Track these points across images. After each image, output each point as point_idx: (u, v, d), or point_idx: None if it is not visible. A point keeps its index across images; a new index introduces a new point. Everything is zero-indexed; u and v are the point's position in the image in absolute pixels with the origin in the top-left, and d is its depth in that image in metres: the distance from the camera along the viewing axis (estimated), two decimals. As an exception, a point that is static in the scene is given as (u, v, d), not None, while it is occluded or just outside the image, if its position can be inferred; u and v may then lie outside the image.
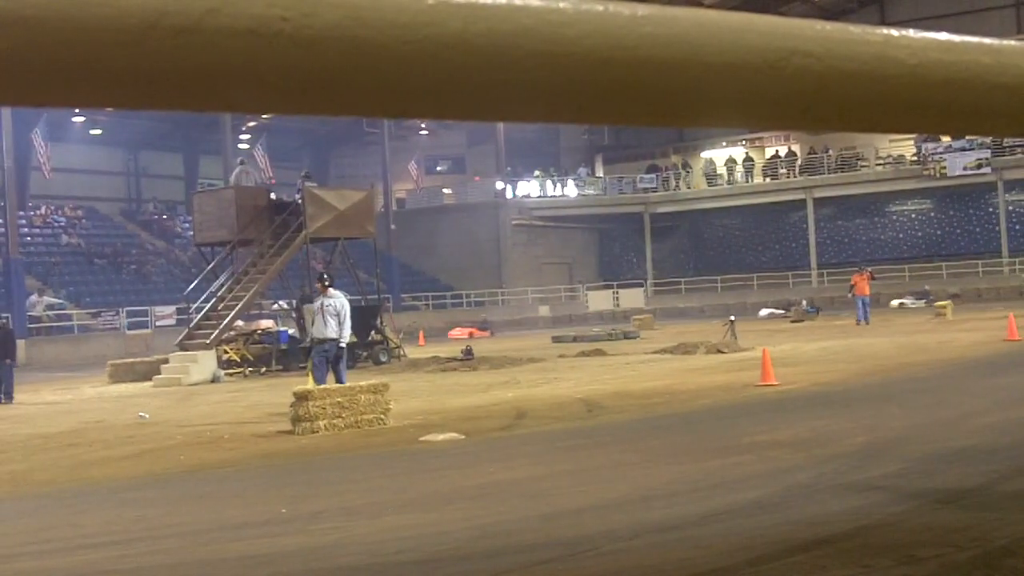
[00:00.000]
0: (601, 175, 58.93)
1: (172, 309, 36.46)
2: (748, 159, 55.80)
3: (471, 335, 32.67)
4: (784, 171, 54.29)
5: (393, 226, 48.66)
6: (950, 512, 6.68)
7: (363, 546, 6.81)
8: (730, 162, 56.01)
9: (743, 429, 11.02)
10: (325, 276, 17.00)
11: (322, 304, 15.78)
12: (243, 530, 7.59)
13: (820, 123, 1.81)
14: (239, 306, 24.80)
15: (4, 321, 21.52)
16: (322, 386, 14.26)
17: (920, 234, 52.11)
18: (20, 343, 21.85)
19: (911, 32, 1.76)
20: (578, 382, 17.25)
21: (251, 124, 47.85)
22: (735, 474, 8.52)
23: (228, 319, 24.43)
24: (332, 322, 15.62)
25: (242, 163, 28.85)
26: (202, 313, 25.67)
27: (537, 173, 56.04)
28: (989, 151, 47.59)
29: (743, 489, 7.88)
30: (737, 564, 5.65)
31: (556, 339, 28.92)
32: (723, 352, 21.07)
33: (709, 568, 5.64)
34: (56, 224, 44.95)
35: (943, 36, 1.78)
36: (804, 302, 36.94)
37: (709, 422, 12.09)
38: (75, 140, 47.59)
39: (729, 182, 55.50)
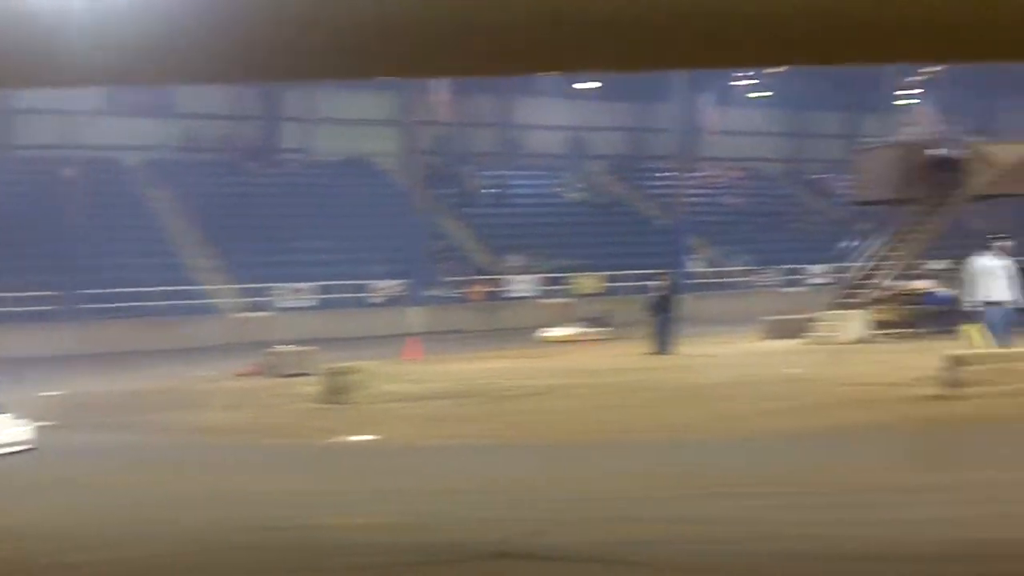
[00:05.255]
0: None
1: (825, 268, 36.63)
2: None
3: None
4: None
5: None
6: None
7: (1009, 520, 6.46)
8: None
9: None
10: (997, 235, 16.11)
11: (992, 265, 15.04)
12: (872, 495, 7.51)
13: None
14: (895, 266, 24.27)
15: (668, 279, 22.97)
16: (978, 351, 13.64)
17: None
18: (681, 299, 23.14)
19: None
20: None
21: (913, 79, 46.36)
22: None
23: (883, 279, 24.01)
24: (1005, 284, 14.86)
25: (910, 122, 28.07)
26: (856, 272, 25.48)
27: None
28: None
29: None
30: None
31: None
32: None
33: None
34: (719, 185, 46.98)
35: None
36: None
37: None
38: (738, 103, 49.23)
39: None
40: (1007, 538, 6.05)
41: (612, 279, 35.29)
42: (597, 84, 43.49)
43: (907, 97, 47.97)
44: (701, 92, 45.75)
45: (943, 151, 25.93)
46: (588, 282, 35.33)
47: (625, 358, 20.24)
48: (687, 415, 12.36)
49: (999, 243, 15.59)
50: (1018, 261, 16.26)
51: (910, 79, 46.38)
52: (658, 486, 8.23)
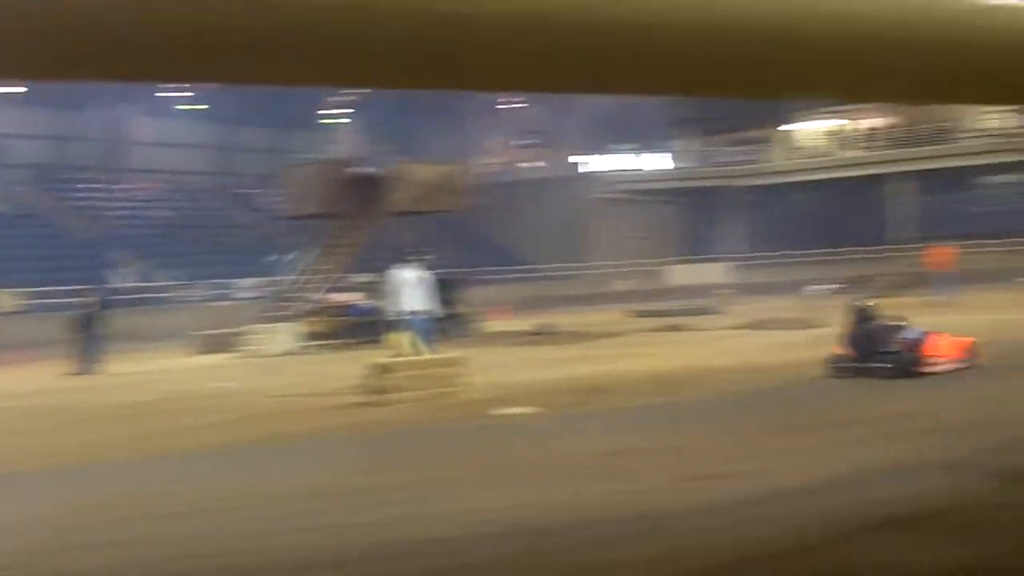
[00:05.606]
0: (687, 148, 58.14)
1: (256, 281, 36.80)
2: (839, 132, 54.67)
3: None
4: (876, 144, 53.10)
5: (478, 200, 48.51)
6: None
7: (435, 520, 6.80)
8: (822, 134, 54.96)
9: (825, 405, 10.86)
10: (416, 249, 17.06)
11: (412, 277, 15.84)
12: (303, 503, 7.61)
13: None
14: (322, 278, 25.02)
15: (93, 295, 22.03)
16: (400, 359, 14.32)
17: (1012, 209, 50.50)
18: (108, 315, 22.20)
19: None
20: (656, 357, 16.98)
21: (341, 98, 48.07)
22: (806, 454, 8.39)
23: (311, 291, 24.64)
24: (423, 295, 15.70)
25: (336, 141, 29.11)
26: (286, 286, 25.95)
27: (621, 146, 55.51)
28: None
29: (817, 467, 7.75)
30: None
31: (637, 313, 28.67)
32: (807, 328, 20.55)
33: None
34: (145, 197, 45.69)
35: None
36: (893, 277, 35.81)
37: (791, 398, 11.90)
38: (167, 115, 48.25)
39: (820, 155, 54.45)
40: (426, 537, 6.37)
41: (33, 296, 33.04)
42: (20, 89, 40.62)
43: (334, 117, 49.77)
44: (128, 102, 44.30)
45: (366, 169, 27.19)
46: (5, 299, 32.79)
47: (43, 380, 18.97)
48: (111, 435, 11.79)
49: (418, 256, 16.52)
50: (436, 273, 17.35)
51: (336, 99, 48.13)
52: (76, 513, 7.73)
